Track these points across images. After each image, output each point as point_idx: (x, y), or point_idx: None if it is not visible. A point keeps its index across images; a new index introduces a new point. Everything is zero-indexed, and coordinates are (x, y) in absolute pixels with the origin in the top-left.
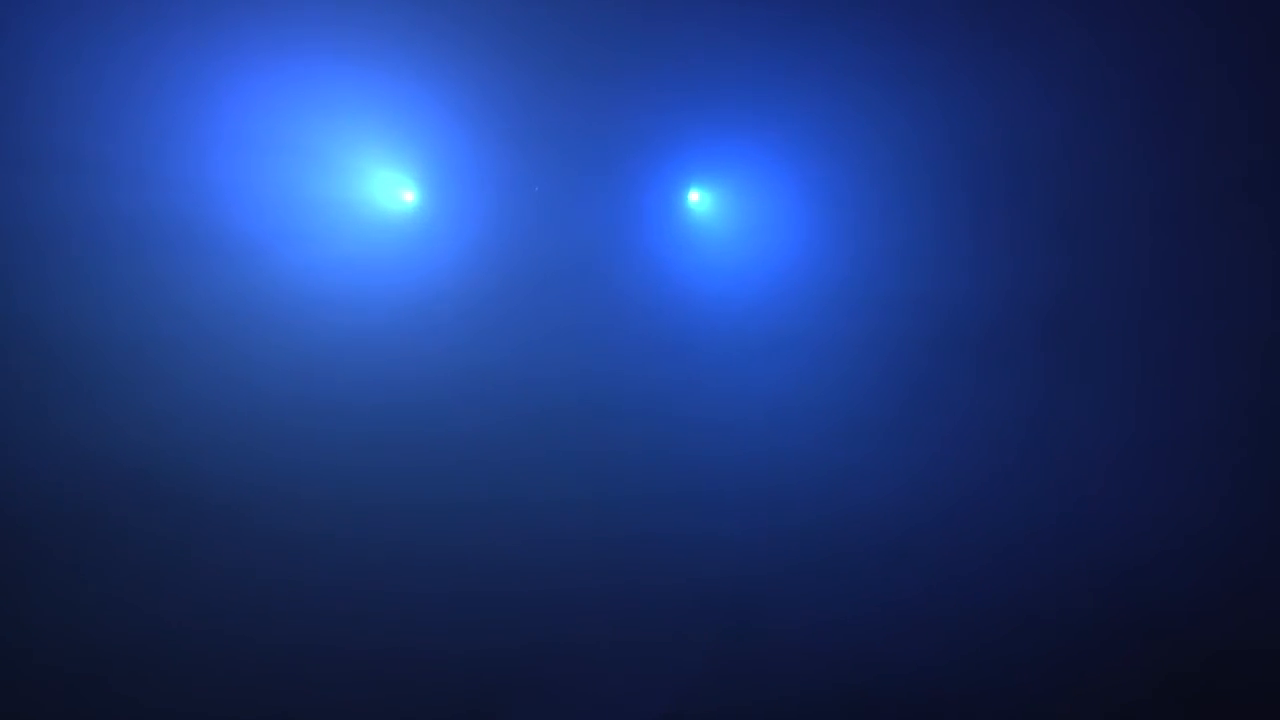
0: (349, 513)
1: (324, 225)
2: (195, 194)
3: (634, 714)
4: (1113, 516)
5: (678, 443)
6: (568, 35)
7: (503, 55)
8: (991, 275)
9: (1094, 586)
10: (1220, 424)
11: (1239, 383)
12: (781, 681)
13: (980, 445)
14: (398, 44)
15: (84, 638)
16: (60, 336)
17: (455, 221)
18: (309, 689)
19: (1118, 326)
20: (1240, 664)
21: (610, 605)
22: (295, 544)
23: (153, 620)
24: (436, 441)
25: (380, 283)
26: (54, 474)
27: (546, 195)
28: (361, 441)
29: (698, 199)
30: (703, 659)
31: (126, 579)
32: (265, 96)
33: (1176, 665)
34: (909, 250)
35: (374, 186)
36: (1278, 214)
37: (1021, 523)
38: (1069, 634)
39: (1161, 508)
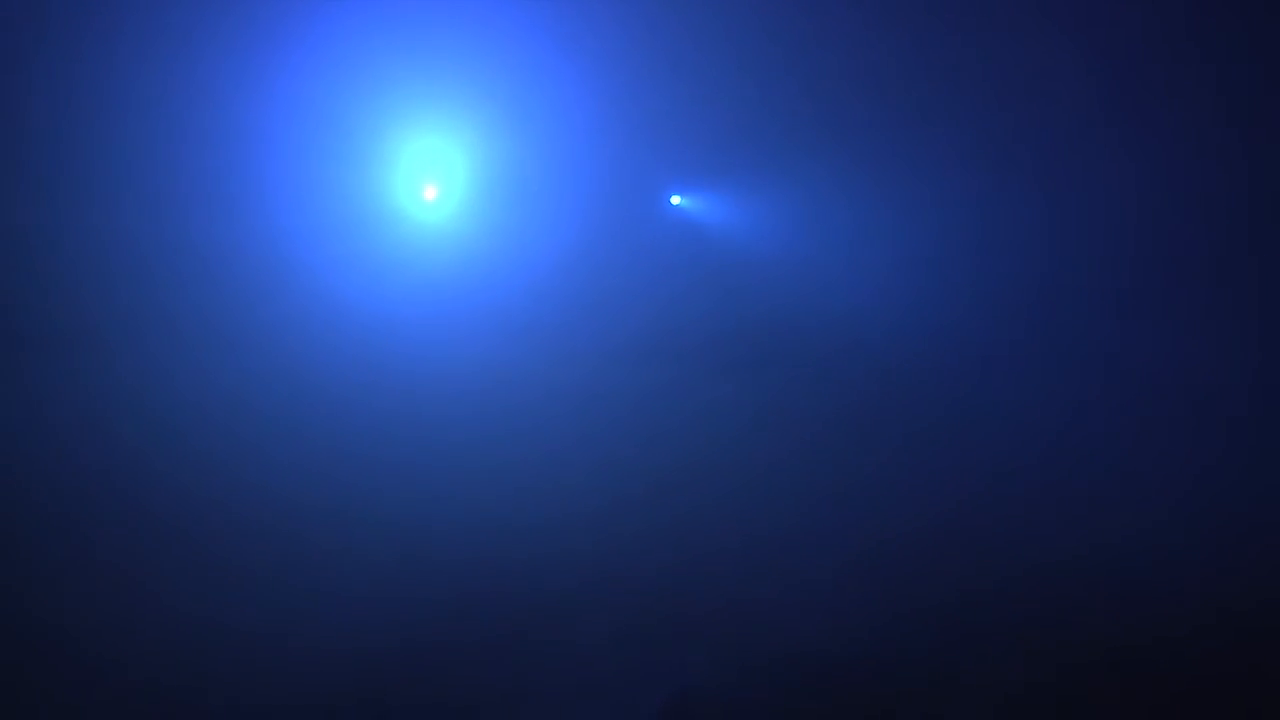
0: (347, 518)
1: (339, 223)
2: (201, 198)
3: (634, 713)
4: (1100, 509)
5: (676, 444)
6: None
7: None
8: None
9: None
10: (1208, 424)
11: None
12: (777, 681)
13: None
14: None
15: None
16: (64, 338)
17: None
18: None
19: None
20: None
21: (611, 604)
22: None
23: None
24: (440, 443)
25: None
26: (55, 471)
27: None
28: (368, 440)
29: (678, 201)
30: (700, 660)
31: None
32: (272, 96)
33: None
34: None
35: (394, 185)
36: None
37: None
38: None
39: (1151, 504)
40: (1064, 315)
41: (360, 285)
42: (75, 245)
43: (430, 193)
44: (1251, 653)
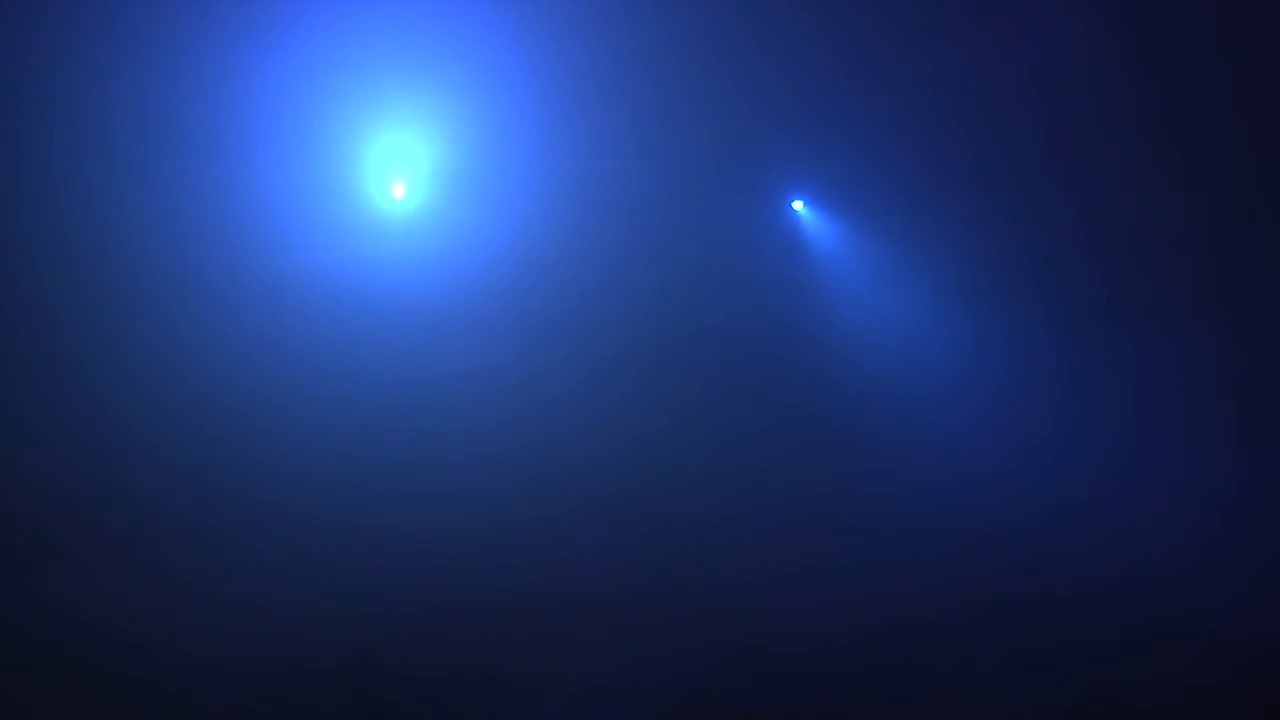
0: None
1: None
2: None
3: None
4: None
5: (680, 450)
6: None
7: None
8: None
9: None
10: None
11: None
12: (778, 682)
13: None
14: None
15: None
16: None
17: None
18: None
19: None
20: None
21: (611, 605)
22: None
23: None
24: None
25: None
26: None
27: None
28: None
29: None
30: (702, 658)
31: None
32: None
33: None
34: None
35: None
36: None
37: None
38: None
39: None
40: (1081, 328)
41: (345, 275)
42: (51, 242)
43: (399, 190)
44: (1252, 658)
